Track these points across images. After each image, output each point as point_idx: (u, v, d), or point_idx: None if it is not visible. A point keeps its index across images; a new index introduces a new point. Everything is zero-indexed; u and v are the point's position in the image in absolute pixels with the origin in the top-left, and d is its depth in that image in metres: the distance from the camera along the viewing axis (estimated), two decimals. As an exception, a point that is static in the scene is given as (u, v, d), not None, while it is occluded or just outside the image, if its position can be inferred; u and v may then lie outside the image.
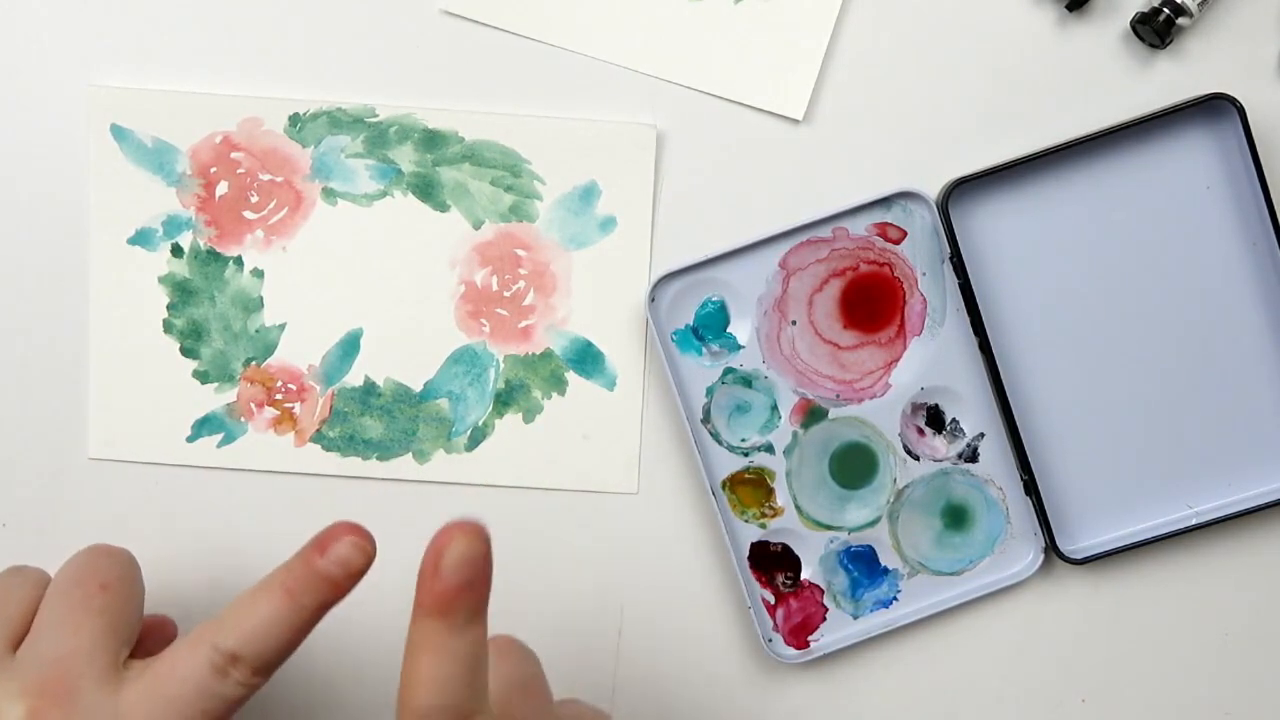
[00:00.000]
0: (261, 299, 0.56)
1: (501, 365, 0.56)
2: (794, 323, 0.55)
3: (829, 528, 0.56)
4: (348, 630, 0.57)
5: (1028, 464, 0.55)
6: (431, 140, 0.55)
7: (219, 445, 0.56)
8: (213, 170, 0.55)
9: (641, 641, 0.57)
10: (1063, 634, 0.57)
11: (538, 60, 0.55)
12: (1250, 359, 0.55)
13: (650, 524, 0.56)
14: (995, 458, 0.56)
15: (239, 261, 0.55)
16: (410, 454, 0.56)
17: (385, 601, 0.57)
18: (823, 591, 0.56)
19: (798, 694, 0.57)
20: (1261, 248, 0.54)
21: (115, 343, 0.56)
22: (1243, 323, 0.55)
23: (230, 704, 0.42)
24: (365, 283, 0.55)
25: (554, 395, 0.56)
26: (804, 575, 0.56)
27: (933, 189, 0.54)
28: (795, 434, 0.55)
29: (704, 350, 0.55)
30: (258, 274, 0.56)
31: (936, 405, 0.56)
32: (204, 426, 0.56)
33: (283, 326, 0.56)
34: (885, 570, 0.56)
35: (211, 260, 0.55)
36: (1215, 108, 0.53)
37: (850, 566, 0.56)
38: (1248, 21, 0.55)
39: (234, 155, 0.55)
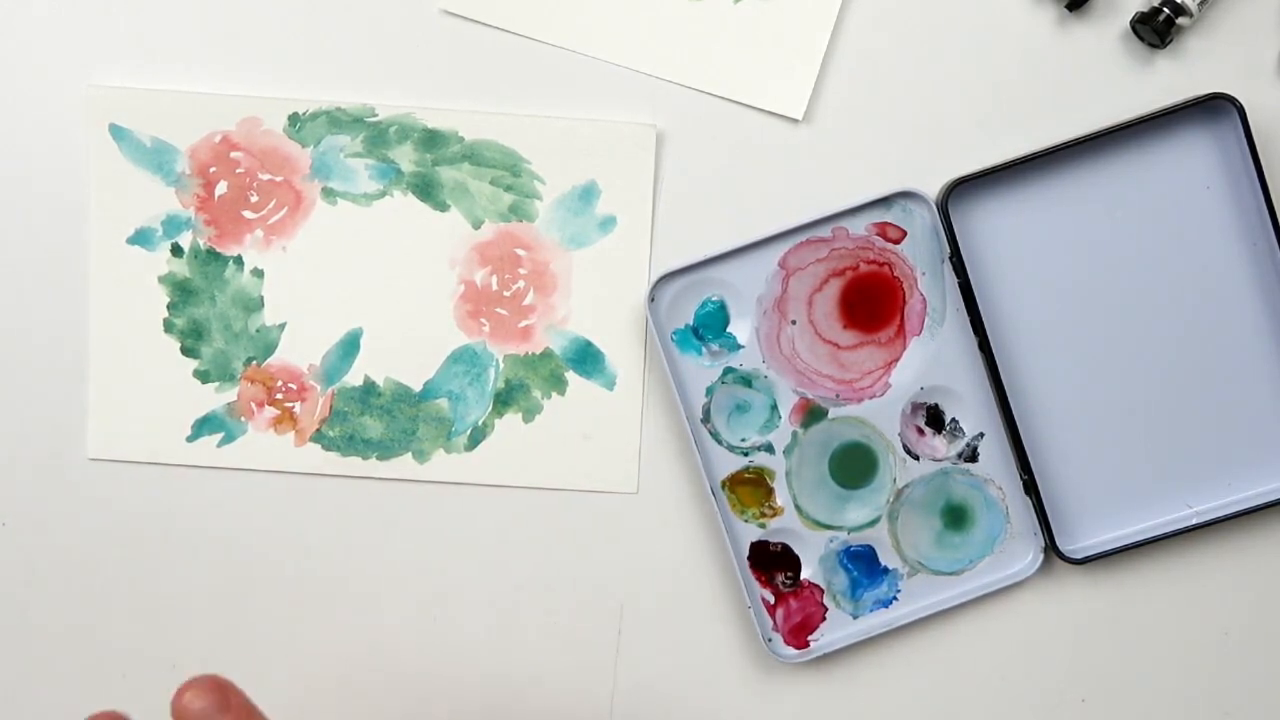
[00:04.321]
0: (261, 299, 0.56)
1: (501, 365, 0.56)
2: (794, 322, 0.55)
3: (829, 527, 0.56)
4: (345, 628, 0.57)
5: (1028, 464, 0.55)
6: (431, 140, 0.55)
7: (219, 445, 0.56)
8: (212, 170, 0.55)
9: (641, 641, 0.57)
10: (1063, 634, 0.57)
11: (538, 60, 0.55)
12: (1250, 359, 0.55)
13: (650, 524, 0.56)
14: (995, 457, 0.56)
15: (239, 261, 0.55)
16: (410, 454, 0.56)
17: (383, 599, 0.57)
18: (823, 591, 0.56)
19: (798, 694, 0.57)
20: (1261, 248, 0.54)
21: (115, 343, 0.56)
22: (1242, 323, 0.55)
23: None
24: (365, 283, 0.55)
25: (554, 395, 0.56)
26: (804, 575, 0.56)
27: (933, 189, 0.54)
28: (795, 434, 0.55)
29: (704, 350, 0.55)
30: (258, 274, 0.55)
31: (936, 405, 0.55)
32: (204, 426, 0.56)
33: (283, 326, 0.56)
34: (885, 570, 0.56)
35: (211, 260, 0.55)
36: (1215, 108, 0.53)
37: (850, 566, 0.56)
38: (1248, 21, 0.55)
39: (233, 155, 0.55)
